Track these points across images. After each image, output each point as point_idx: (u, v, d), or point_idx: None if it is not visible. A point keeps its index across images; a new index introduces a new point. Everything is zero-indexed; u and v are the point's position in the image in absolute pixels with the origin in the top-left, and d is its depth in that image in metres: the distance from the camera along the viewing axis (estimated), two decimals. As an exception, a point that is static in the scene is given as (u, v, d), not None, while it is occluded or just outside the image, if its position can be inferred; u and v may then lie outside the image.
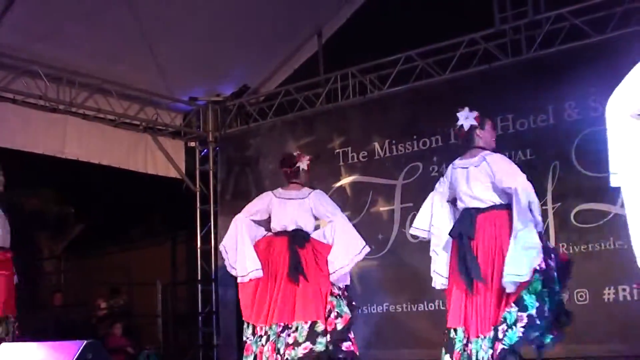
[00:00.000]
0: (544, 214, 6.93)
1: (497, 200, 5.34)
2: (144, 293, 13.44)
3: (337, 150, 9.67)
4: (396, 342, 8.79)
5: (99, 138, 10.15)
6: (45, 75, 9.27)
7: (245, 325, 6.40)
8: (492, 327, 5.12)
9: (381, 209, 9.19)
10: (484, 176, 5.36)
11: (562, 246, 7.66)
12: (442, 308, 7.90)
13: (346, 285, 6.52)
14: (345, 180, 9.54)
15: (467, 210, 5.43)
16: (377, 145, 9.34)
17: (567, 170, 7.84)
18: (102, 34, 9.24)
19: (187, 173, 11.18)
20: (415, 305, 8.68)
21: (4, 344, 5.99)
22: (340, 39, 10.56)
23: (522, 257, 5.06)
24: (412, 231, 5.91)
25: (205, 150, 11.26)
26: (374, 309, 8.99)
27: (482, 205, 5.37)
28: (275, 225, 6.50)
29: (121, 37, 9.32)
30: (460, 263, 5.33)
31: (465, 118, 5.56)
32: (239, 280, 6.40)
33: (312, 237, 6.50)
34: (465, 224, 5.37)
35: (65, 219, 16.70)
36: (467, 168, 5.46)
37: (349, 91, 9.79)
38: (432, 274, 5.65)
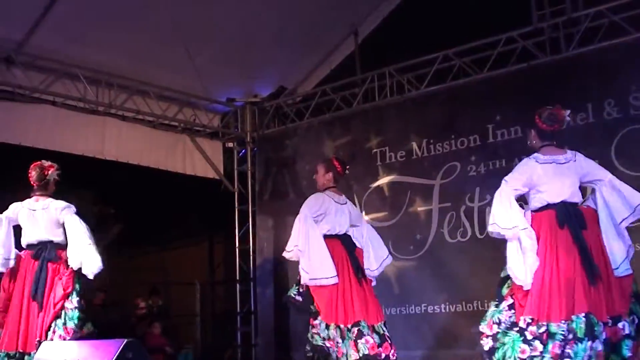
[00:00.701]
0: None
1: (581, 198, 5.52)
2: (182, 293, 13.49)
3: (375, 150, 9.66)
4: (435, 343, 8.75)
5: (138, 139, 10.25)
6: (84, 78, 9.37)
7: (324, 326, 6.36)
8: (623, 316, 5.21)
9: (419, 208, 9.15)
10: (580, 171, 5.51)
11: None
12: (480, 309, 7.86)
13: None
14: (383, 180, 9.52)
15: (566, 203, 5.41)
16: (414, 144, 9.31)
17: (608, 169, 7.69)
18: (140, 36, 9.31)
19: (225, 173, 11.24)
20: (454, 306, 8.63)
21: (44, 342, 6.04)
22: (376, 38, 10.51)
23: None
24: (494, 228, 5.50)
25: (243, 151, 11.30)
26: (411, 310, 8.96)
27: (578, 200, 5.46)
28: (331, 229, 6.64)
29: (159, 39, 9.38)
30: (583, 255, 5.26)
31: (568, 116, 5.69)
32: (323, 282, 6.38)
33: None
34: (577, 216, 5.38)
35: (105, 219, 16.80)
36: (564, 163, 5.50)
37: (386, 91, 9.76)
38: (526, 274, 5.29)
